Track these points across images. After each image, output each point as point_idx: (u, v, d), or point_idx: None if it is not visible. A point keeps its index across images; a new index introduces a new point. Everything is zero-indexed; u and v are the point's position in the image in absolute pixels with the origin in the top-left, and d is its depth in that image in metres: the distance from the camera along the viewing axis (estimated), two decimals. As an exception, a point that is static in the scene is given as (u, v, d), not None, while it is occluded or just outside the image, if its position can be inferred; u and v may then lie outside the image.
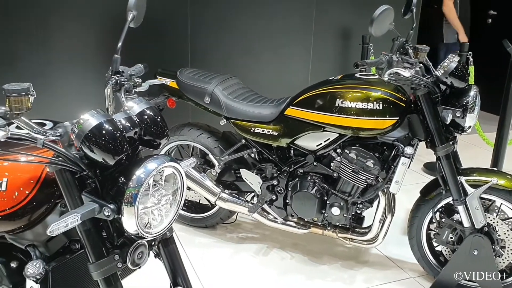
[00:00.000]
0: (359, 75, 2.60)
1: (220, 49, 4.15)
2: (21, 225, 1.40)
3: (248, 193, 3.03)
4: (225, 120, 2.89)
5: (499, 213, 2.52)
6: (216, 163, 2.99)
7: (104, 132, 1.24)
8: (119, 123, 1.31)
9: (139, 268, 1.43)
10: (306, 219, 2.82)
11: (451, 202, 2.49)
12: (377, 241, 2.71)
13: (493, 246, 2.45)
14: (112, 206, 1.24)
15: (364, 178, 2.55)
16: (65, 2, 3.51)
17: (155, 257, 1.54)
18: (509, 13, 5.72)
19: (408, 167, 2.50)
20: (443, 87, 2.40)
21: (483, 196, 2.45)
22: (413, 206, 2.68)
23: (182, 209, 3.20)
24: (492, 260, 2.44)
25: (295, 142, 2.71)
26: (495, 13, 5.69)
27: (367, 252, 3.08)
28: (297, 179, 2.76)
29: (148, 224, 1.32)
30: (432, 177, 2.70)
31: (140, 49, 3.48)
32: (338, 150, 2.62)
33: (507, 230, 2.49)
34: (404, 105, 2.45)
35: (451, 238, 2.57)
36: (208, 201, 3.19)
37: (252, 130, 2.80)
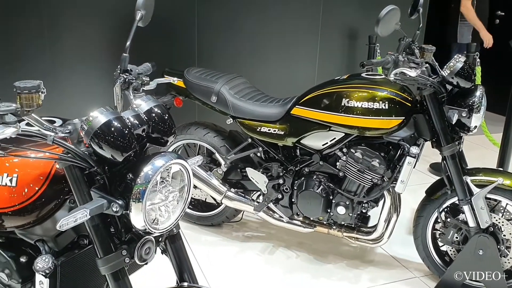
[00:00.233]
0: (365, 75, 2.61)
1: (227, 49, 4.16)
2: (31, 221, 1.42)
3: (254, 192, 3.05)
4: (231, 119, 2.91)
5: (504, 213, 2.52)
6: (222, 162, 3.01)
7: (113, 129, 1.26)
8: (127, 121, 1.33)
9: (145, 264, 1.45)
10: (311, 218, 2.83)
11: (457, 202, 2.50)
12: (382, 240, 2.72)
13: (498, 246, 2.46)
14: (120, 202, 1.26)
15: (370, 177, 2.55)
16: (74, 2, 3.54)
17: (162, 253, 1.56)
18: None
19: (414, 167, 2.51)
20: (449, 87, 2.41)
21: (489, 196, 2.46)
22: (418, 206, 2.68)
23: (189, 208, 3.22)
24: (497, 260, 2.44)
25: (301, 141, 2.72)
26: (503, 13, 5.67)
27: (372, 252, 3.08)
28: (303, 178, 2.77)
29: (156, 220, 1.33)
30: (439, 178, 2.71)
31: (148, 48, 3.51)
32: (344, 150, 2.63)
33: (513, 230, 2.50)
34: (410, 105, 2.46)
35: (456, 238, 2.57)
36: (214, 199, 3.20)
37: (258, 129, 2.81)
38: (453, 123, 2.37)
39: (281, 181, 2.84)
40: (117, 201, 1.26)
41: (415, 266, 2.89)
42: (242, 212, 3.30)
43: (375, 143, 2.58)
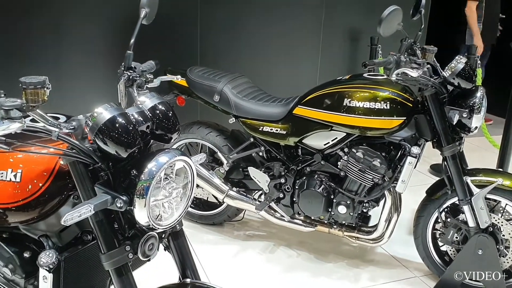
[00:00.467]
0: (367, 75, 2.62)
1: (229, 49, 4.18)
2: (35, 216, 1.42)
3: (256, 191, 3.06)
4: (234, 118, 2.92)
5: (504, 214, 2.53)
6: (225, 161, 3.03)
7: (117, 125, 1.27)
8: (132, 117, 1.34)
9: (148, 261, 1.46)
10: (312, 217, 2.85)
11: (457, 202, 2.51)
12: (382, 240, 2.73)
13: (498, 246, 2.47)
14: (124, 198, 1.27)
15: (371, 177, 2.57)
16: (78, 1, 3.56)
17: (165, 249, 1.57)
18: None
19: (415, 167, 2.52)
20: (450, 87, 2.42)
21: (488, 196, 2.47)
22: (419, 206, 2.70)
23: (190, 207, 3.23)
24: (496, 260, 2.45)
25: (303, 141, 2.73)
26: (504, 16, 5.68)
27: (372, 251, 3.10)
28: (304, 178, 2.78)
29: (159, 217, 1.34)
30: (439, 179, 2.72)
31: (150, 47, 3.51)
32: (346, 149, 2.64)
33: (512, 231, 2.51)
34: (411, 105, 2.47)
35: (456, 237, 2.59)
36: (216, 198, 3.22)
37: (260, 129, 2.83)
38: (454, 124, 2.39)
39: (282, 180, 2.85)
40: (121, 197, 1.27)
41: (415, 265, 2.91)
42: (243, 211, 3.32)
43: (376, 143, 2.59)
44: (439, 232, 2.66)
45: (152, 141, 1.42)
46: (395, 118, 2.43)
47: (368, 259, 3.01)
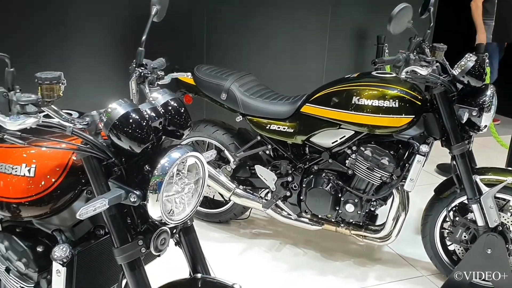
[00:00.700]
0: (376, 73, 2.62)
1: (235, 47, 4.18)
2: (48, 211, 1.43)
3: (262, 189, 3.06)
4: (241, 116, 2.92)
5: (513, 213, 2.53)
6: (231, 159, 3.03)
7: (131, 121, 1.27)
8: (145, 113, 1.34)
9: (158, 256, 1.47)
10: (320, 216, 2.85)
11: (465, 201, 2.51)
12: (390, 238, 2.73)
13: (507, 245, 2.46)
14: (138, 193, 1.27)
15: (379, 175, 2.57)
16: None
17: (176, 245, 1.57)
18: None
19: (423, 166, 2.52)
20: (459, 86, 2.42)
21: (498, 195, 2.46)
22: (427, 205, 2.70)
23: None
24: (505, 259, 2.45)
25: (310, 139, 2.74)
26: None
27: (379, 250, 3.09)
28: (311, 176, 2.78)
29: (171, 212, 1.35)
30: (445, 178, 2.72)
31: (156, 46, 3.51)
32: (354, 148, 2.64)
33: (521, 230, 2.51)
34: (420, 103, 2.47)
35: (465, 236, 2.58)
36: (222, 196, 3.22)
37: (267, 127, 2.83)
38: (463, 122, 2.38)
39: (289, 178, 2.86)
40: (135, 191, 1.27)
41: (422, 265, 2.90)
42: (249, 210, 3.32)
43: (384, 141, 2.59)
44: (447, 231, 2.66)
45: (164, 137, 1.42)
46: (403, 116, 2.43)
47: (375, 258, 3.01)
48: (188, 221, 1.54)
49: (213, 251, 2.98)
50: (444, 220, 2.64)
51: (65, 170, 1.42)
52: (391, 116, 2.44)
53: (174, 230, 1.49)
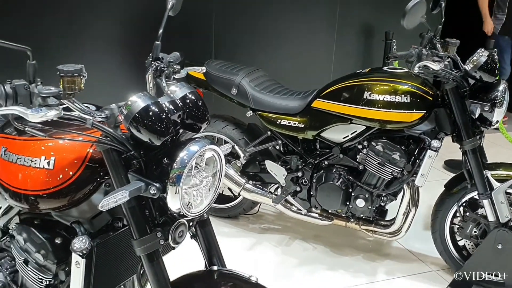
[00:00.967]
0: (387, 68, 2.62)
1: (244, 42, 4.19)
2: (66, 203, 1.44)
3: (272, 185, 3.07)
4: (251, 111, 2.93)
5: (524, 208, 2.53)
6: (241, 155, 3.04)
7: (151, 113, 1.28)
8: (164, 106, 1.35)
9: (173, 249, 1.48)
10: (330, 211, 2.85)
11: (476, 196, 2.51)
12: (400, 233, 2.74)
13: (517, 241, 2.47)
14: (157, 185, 1.29)
15: (390, 170, 2.57)
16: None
17: (191, 238, 1.58)
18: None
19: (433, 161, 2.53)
20: (471, 81, 2.42)
21: (509, 190, 2.46)
22: (437, 200, 2.70)
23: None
24: (516, 255, 2.45)
25: (321, 134, 2.74)
26: None
27: (388, 245, 3.10)
28: (322, 171, 2.79)
29: (189, 204, 1.36)
30: (453, 174, 2.72)
31: (164, 41, 3.53)
32: (365, 143, 2.65)
33: (532, 225, 2.51)
34: (431, 98, 2.47)
35: (475, 232, 2.59)
36: (232, 191, 3.23)
37: (278, 122, 2.83)
38: (475, 117, 2.39)
39: (299, 174, 2.86)
40: (154, 184, 1.28)
41: (432, 260, 2.91)
42: (259, 205, 3.33)
43: (395, 137, 2.60)
44: (457, 226, 2.66)
45: (181, 130, 1.43)
46: (415, 111, 2.44)
47: (384, 253, 3.02)
48: (205, 214, 1.55)
49: (222, 246, 2.95)
50: (454, 216, 2.65)
51: (84, 162, 1.43)
52: (402, 111, 2.44)
53: (191, 223, 1.50)
